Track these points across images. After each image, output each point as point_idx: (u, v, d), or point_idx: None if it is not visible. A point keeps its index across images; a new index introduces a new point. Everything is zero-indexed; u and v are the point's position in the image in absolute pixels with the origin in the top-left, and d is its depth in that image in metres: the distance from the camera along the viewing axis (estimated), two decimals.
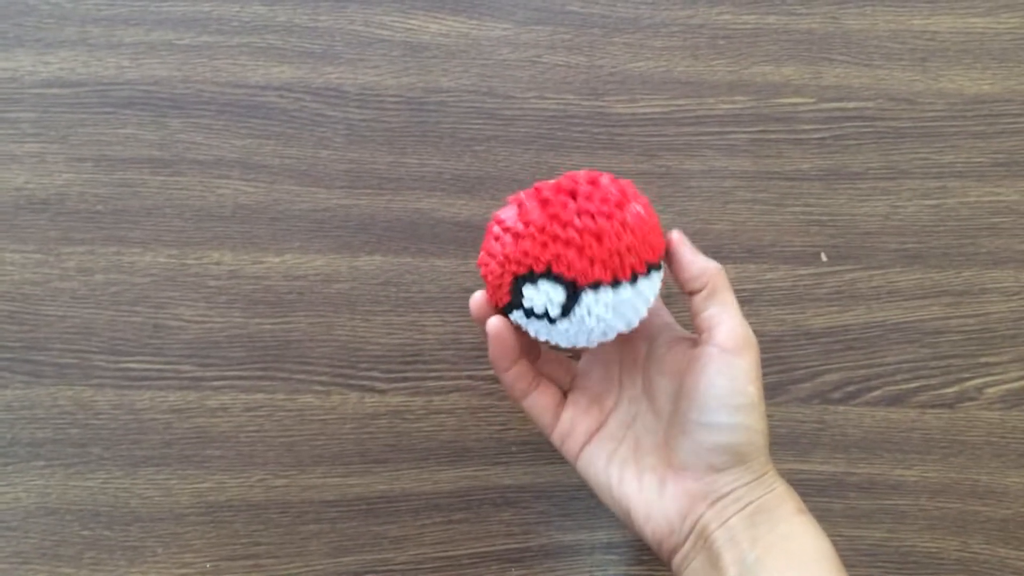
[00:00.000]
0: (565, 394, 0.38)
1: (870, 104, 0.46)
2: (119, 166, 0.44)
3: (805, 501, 0.43)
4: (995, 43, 0.46)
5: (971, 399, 0.44)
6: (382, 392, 0.44)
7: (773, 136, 0.45)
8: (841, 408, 0.44)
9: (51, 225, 0.44)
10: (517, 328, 0.35)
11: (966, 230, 0.45)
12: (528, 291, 0.32)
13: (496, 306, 0.34)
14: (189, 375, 0.43)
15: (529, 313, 0.32)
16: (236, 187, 0.44)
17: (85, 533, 0.42)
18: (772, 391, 0.44)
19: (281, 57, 0.45)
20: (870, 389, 0.44)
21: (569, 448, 0.36)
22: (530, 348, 0.37)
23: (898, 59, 0.46)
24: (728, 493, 0.32)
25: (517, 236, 0.32)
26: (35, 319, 0.43)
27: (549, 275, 0.31)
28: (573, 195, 0.32)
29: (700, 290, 0.33)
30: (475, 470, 0.43)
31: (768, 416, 0.44)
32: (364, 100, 0.45)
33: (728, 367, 0.32)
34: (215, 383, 0.43)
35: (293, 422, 0.43)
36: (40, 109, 0.44)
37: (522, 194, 0.33)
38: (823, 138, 0.45)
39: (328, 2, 0.46)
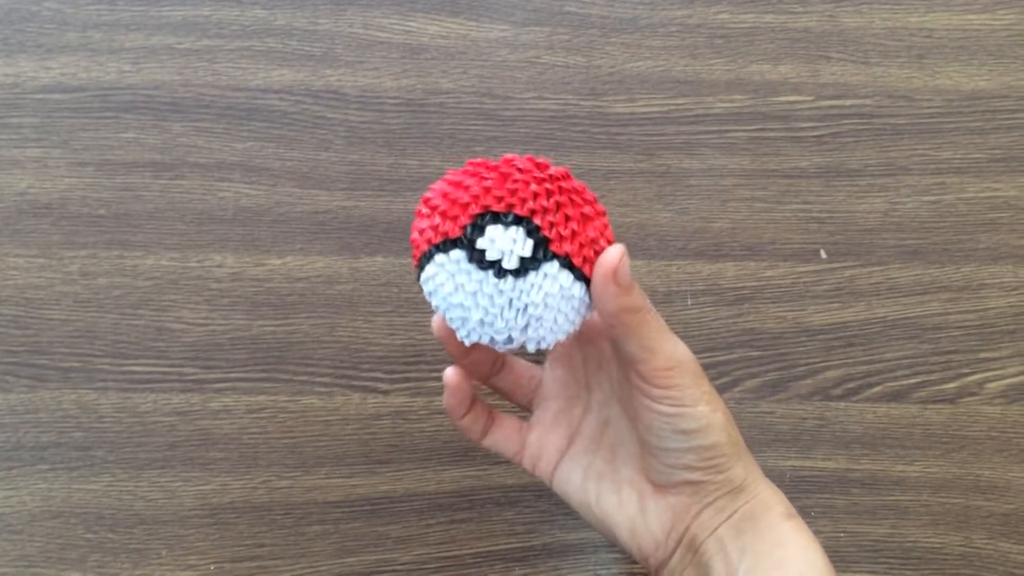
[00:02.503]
0: (529, 409, 0.36)
1: (868, 101, 0.46)
2: (121, 170, 0.45)
3: (808, 498, 0.43)
4: (991, 39, 0.46)
5: (972, 394, 0.44)
6: (385, 393, 0.44)
7: (771, 134, 0.46)
8: (842, 404, 0.44)
9: (54, 229, 0.44)
10: (468, 350, 0.33)
11: (964, 226, 0.45)
12: (494, 230, 0.28)
13: (429, 243, 0.29)
14: (192, 377, 0.43)
15: (475, 256, 0.28)
16: (237, 190, 0.44)
17: (89, 536, 0.42)
18: (773, 388, 0.44)
19: (281, 60, 0.45)
20: (871, 385, 0.44)
21: (542, 470, 0.35)
22: (489, 368, 0.35)
23: (895, 56, 0.46)
24: (711, 503, 0.31)
25: (506, 176, 0.28)
26: (38, 323, 0.44)
27: (527, 223, 0.28)
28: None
29: (612, 327, 0.29)
30: (478, 469, 0.43)
31: (770, 413, 0.44)
32: (364, 102, 0.45)
33: (667, 397, 0.30)
34: (218, 385, 0.43)
35: (296, 423, 0.43)
36: (42, 114, 0.45)
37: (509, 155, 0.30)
38: (821, 136, 0.46)
39: (327, 5, 0.46)
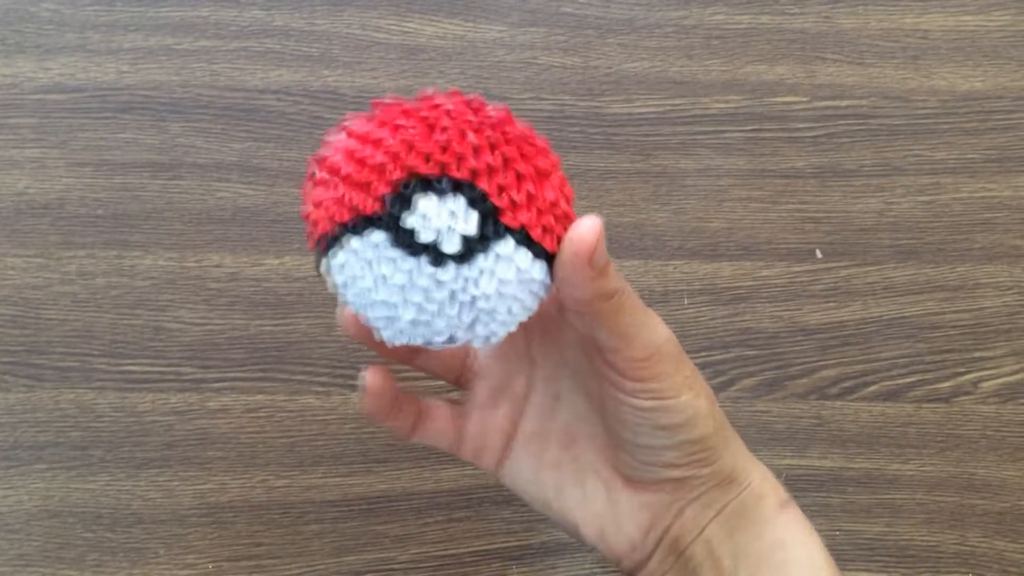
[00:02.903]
0: (461, 385, 0.31)
1: (863, 102, 0.46)
2: (119, 170, 0.45)
3: (804, 496, 0.44)
4: (986, 40, 0.47)
5: (967, 393, 0.44)
6: None
7: (767, 135, 0.46)
8: (838, 403, 0.44)
9: (52, 229, 0.44)
10: (389, 352, 0.26)
11: (959, 226, 0.45)
12: (426, 202, 0.21)
13: (334, 222, 0.22)
14: (190, 377, 0.43)
15: (402, 238, 0.21)
16: (235, 190, 0.45)
17: (87, 535, 0.42)
18: (770, 387, 0.44)
19: (279, 61, 0.46)
20: (866, 384, 0.44)
21: (487, 462, 0.30)
22: (411, 351, 0.30)
23: (890, 57, 0.47)
24: (696, 498, 0.27)
25: (433, 125, 0.22)
26: (36, 323, 0.44)
27: (470, 189, 0.21)
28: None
29: (579, 314, 0.25)
30: (476, 468, 0.43)
31: (766, 412, 0.44)
32: (361, 103, 0.46)
33: (644, 391, 0.25)
34: (216, 385, 0.43)
35: (294, 423, 0.43)
36: (40, 115, 0.45)
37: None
38: (817, 136, 0.46)
39: (325, 6, 0.46)
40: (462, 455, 0.30)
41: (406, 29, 0.46)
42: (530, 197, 0.22)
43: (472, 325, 0.23)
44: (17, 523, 0.42)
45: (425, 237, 0.21)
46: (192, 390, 0.43)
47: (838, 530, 0.43)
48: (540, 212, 0.22)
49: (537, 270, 0.23)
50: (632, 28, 0.47)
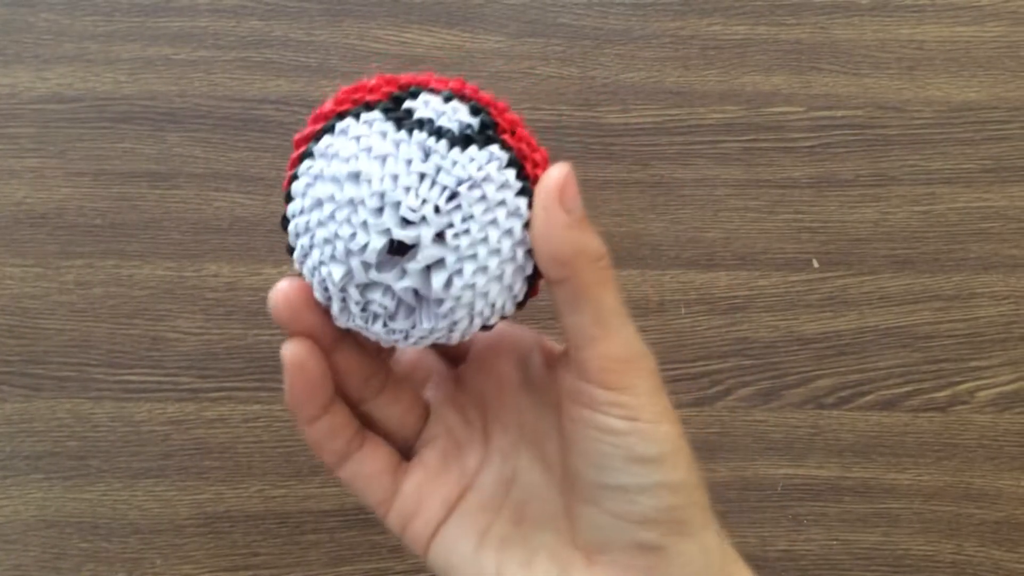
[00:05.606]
0: (406, 452, 0.26)
1: (859, 112, 0.46)
2: (117, 180, 0.45)
3: (800, 506, 0.44)
4: (981, 51, 0.47)
5: (963, 403, 0.44)
6: None
7: (764, 145, 0.46)
8: (835, 413, 0.44)
9: (50, 239, 0.44)
10: (334, 335, 0.24)
11: (955, 235, 0.46)
12: (428, 96, 0.22)
13: (325, 118, 0.22)
14: (187, 387, 0.43)
15: (399, 115, 0.21)
16: (233, 200, 0.45)
17: (84, 545, 0.42)
18: (766, 397, 0.44)
19: (277, 71, 0.46)
20: (863, 394, 0.44)
21: (417, 532, 0.25)
22: (368, 374, 0.25)
23: (886, 68, 0.47)
24: None
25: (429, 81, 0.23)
26: (34, 332, 0.44)
27: (474, 104, 0.23)
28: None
29: (559, 281, 0.22)
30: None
31: (762, 421, 0.44)
32: None
33: (617, 404, 0.22)
34: (213, 394, 0.43)
35: (291, 432, 0.43)
36: (39, 124, 0.45)
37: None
38: (813, 146, 0.46)
39: (324, 17, 0.46)
40: (388, 519, 0.26)
41: (404, 39, 0.46)
42: (526, 139, 0.23)
43: (448, 215, 0.20)
44: (14, 533, 0.42)
45: (423, 115, 0.21)
46: (189, 400, 0.43)
47: (835, 539, 0.43)
48: (532, 149, 0.22)
49: (523, 203, 0.22)
50: (629, 38, 0.47)
